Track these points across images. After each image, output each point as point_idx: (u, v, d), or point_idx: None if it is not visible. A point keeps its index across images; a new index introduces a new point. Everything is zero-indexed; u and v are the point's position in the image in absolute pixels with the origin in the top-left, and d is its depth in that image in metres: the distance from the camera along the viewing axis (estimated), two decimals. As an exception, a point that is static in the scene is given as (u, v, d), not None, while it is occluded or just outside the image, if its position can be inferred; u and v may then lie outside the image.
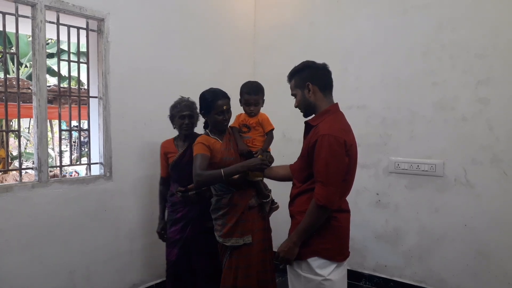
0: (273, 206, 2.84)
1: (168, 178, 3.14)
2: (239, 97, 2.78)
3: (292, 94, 2.22)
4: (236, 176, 2.54)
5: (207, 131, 2.74)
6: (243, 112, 2.82)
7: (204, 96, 2.69)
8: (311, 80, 2.11)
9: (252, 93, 2.72)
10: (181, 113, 3.01)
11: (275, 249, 2.32)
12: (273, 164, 2.66)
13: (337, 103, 2.19)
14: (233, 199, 2.62)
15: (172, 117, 3.09)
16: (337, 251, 2.08)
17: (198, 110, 2.99)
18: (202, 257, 2.99)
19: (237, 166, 2.50)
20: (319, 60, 2.22)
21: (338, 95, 2.28)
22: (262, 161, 2.47)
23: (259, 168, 2.49)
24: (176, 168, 3.03)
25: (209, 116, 2.65)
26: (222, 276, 2.68)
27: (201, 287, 3.01)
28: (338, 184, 1.98)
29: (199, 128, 3.10)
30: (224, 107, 2.62)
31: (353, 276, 3.83)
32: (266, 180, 2.75)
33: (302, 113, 2.23)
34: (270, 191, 2.84)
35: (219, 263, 2.95)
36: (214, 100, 2.61)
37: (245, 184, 2.63)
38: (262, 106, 2.82)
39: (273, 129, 2.83)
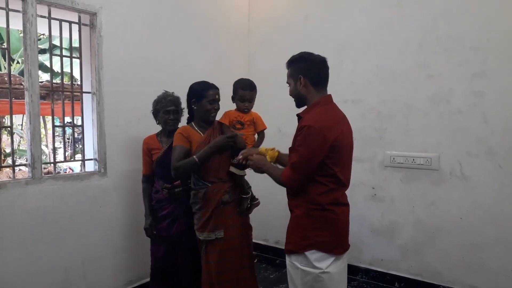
0: (254, 203, 2.86)
1: (151, 175, 3.06)
2: (232, 90, 2.77)
3: (287, 82, 2.23)
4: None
5: (192, 123, 2.77)
6: (233, 109, 2.84)
7: (195, 86, 2.74)
8: (303, 73, 2.11)
9: (247, 89, 2.76)
10: (166, 108, 2.95)
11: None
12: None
13: (329, 95, 2.18)
14: (207, 194, 2.65)
15: (155, 112, 3.01)
16: (335, 244, 2.09)
17: (182, 106, 3.03)
18: (187, 253, 2.96)
19: (207, 147, 2.57)
20: (314, 54, 2.21)
21: (333, 89, 2.26)
22: (227, 138, 2.54)
23: (227, 145, 2.56)
24: (161, 165, 2.95)
25: (199, 104, 2.68)
26: (202, 271, 2.72)
27: (186, 283, 3.00)
28: (303, 173, 2.03)
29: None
30: (216, 96, 2.69)
31: (350, 270, 3.78)
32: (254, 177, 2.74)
33: (295, 103, 2.25)
34: (249, 187, 2.85)
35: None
36: (206, 89, 2.68)
37: (227, 178, 2.69)
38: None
39: (265, 128, 2.89)
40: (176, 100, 3.02)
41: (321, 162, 2.01)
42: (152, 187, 3.06)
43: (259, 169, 2.32)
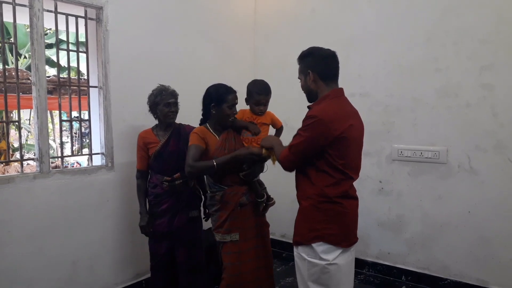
0: (269, 203, 2.85)
1: (146, 170, 3.02)
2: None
3: (298, 78, 2.26)
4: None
5: (207, 124, 2.73)
6: (247, 109, 2.82)
7: (217, 88, 2.69)
8: (312, 68, 2.14)
9: (264, 93, 2.72)
10: (167, 100, 2.91)
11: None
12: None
13: (340, 89, 2.19)
14: (224, 197, 2.64)
15: (154, 105, 2.95)
16: (342, 236, 2.10)
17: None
18: (185, 248, 2.97)
19: (228, 156, 2.57)
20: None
21: (340, 83, 2.26)
22: (251, 152, 2.53)
23: (249, 159, 2.55)
24: (160, 158, 2.93)
25: (219, 109, 2.63)
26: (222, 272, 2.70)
27: (183, 280, 3.00)
28: (298, 156, 2.11)
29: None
30: (236, 101, 2.67)
31: (357, 264, 3.77)
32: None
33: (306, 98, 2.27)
34: (265, 189, 2.84)
35: (201, 253, 3.03)
36: (227, 93, 2.64)
37: (239, 182, 2.68)
38: None
39: (282, 125, 2.95)
40: (175, 93, 3.00)
41: (322, 152, 2.04)
42: (148, 183, 3.04)
43: (268, 143, 2.44)
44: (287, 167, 2.19)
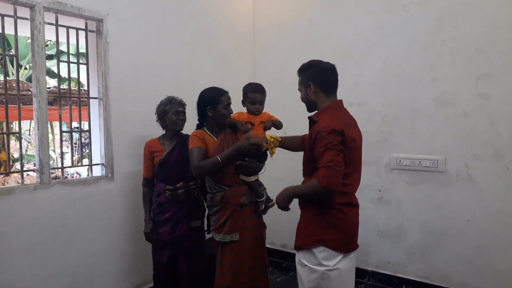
0: (269, 204, 2.90)
1: (152, 178, 3.09)
2: (239, 96, 2.81)
3: (298, 89, 2.32)
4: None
5: (204, 128, 2.82)
6: (245, 111, 2.86)
7: (208, 93, 2.80)
8: (313, 80, 2.21)
9: (258, 92, 2.78)
10: (176, 109, 3.00)
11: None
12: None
13: (339, 100, 2.26)
14: (224, 197, 2.69)
15: (163, 114, 3.03)
16: (341, 242, 2.13)
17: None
18: (187, 258, 2.99)
19: (230, 149, 2.62)
20: (318, 58, 2.26)
21: (338, 93, 2.31)
22: (251, 143, 2.57)
23: (249, 151, 2.59)
24: (164, 167, 2.99)
25: (215, 111, 2.74)
26: (216, 273, 2.72)
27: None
28: (339, 167, 1.99)
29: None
30: (230, 101, 2.78)
31: (357, 273, 3.75)
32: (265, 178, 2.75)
33: (306, 108, 2.33)
34: (264, 189, 2.89)
35: (203, 263, 3.03)
36: (220, 95, 2.76)
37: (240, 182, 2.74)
38: None
39: (279, 121, 2.92)
40: (183, 102, 3.09)
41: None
42: (153, 191, 3.08)
43: (287, 198, 2.22)
44: (337, 184, 2.00)
